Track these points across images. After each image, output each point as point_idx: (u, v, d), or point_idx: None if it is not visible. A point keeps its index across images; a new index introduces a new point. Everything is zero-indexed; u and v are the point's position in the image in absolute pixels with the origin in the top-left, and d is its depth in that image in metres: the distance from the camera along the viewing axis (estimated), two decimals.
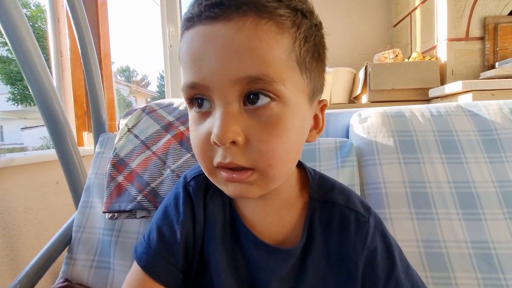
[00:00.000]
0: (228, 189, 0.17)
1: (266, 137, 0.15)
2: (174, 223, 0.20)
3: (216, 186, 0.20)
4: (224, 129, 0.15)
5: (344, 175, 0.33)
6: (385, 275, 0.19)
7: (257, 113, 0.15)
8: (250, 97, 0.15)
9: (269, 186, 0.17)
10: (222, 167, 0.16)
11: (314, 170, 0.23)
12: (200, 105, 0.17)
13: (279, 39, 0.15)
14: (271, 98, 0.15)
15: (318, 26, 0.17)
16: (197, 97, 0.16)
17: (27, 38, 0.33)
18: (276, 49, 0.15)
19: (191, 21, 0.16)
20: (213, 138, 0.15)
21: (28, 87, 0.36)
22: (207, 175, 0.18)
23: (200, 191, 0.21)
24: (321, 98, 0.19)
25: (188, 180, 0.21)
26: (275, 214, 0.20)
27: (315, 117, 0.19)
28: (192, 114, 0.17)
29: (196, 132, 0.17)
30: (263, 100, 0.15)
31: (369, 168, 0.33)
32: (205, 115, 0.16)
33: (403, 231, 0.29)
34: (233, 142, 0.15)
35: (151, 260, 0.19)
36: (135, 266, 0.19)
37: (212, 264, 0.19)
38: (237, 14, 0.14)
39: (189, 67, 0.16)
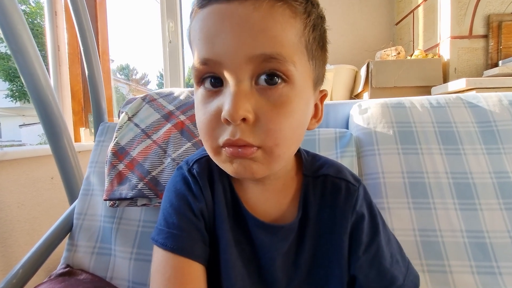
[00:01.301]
0: (233, 167, 0.17)
1: (275, 116, 0.16)
2: (191, 202, 0.20)
3: (218, 170, 0.20)
4: (236, 106, 0.15)
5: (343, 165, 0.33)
6: (368, 240, 0.20)
7: (267, 93, 0.16)
8: (264, 78, 0.16)
9: (272, 166, 0.17)
10: (230, 144, 0.16)
11: (308, 152, 0.23)
12: (212, 84, 0.17)
13: (292, 23, 0.16)
14: (282, 79, 0.16)
15: (323, 18, 0.18)
16: (208, 75, 0.16)
17: (20, 26, 0.32)
18: (289, 31, 0.15)
19: None
20: (224, 114, 0.15)
21: (21, 77, 0.35)
22: (211, 155, 0.18)
23: (204, 173, 0.21)
24: (321, 89, 0.21)
25: (191, 164, 0.22)
26: (274, 198, 0.21)
27: (316, 106, 0.20)
28: (200, 92, 0.17)
29: (204, 110, 0.17)
30: (274, 80, 0.16)
31: (368, 158, 0.34)
32: (214, 93, 0.17)
33: (400, 220, 0.30)
34: (243, 120, 0.15)
35: (178, 241, 0.19)
36: (162, 254, 0.19)
37: (222, 244, 0.20)
38: None
39: (202, 43, 0.16)
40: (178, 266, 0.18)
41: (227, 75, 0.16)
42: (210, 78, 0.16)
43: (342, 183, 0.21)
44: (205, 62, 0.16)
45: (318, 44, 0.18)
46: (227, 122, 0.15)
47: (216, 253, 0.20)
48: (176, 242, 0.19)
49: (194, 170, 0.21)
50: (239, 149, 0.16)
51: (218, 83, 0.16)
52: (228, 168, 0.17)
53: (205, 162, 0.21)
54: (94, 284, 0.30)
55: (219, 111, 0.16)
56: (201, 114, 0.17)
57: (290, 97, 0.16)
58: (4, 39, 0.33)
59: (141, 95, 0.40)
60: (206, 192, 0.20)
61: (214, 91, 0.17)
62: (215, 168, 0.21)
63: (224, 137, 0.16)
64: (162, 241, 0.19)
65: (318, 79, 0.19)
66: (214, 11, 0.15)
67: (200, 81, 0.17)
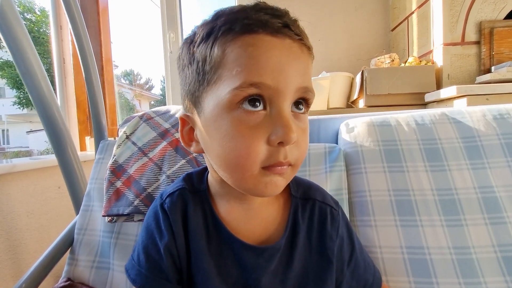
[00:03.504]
0: (267, 186, 0.18)
1: (303, 138, 0.19)
2: (157, 242, 0.21)
3: (194, 200, 0.21)
4: (292, 129, 0.17)
5: (332, 180, 0.34)
6: (348, 257, 0.23)
7: (298, 118, 0.19)
8: (296, 105, 0.19)
9: (289, 180, 0.20)
10: (278, 164, 0.17)
11: None
12: (252, 105, 0.17)
13: (311, 66, 0.19)
14: (307, 107, 0.19)
15: None
16: (253, 97, 0.17)
17: (28, 49, 0.35)
18: (311, 71, 0.19)
19: (254, 27, 0.17)
20: (282, 138, 0.16)
21: (30, 96, 0.38)
22: (241, 179, 0.18)
23: (175, 208, 0.21)
24: None
25: (164, 199, 0.22)
26: (257, 216, 0.22)
27: None
28: (237, 115, 0.17)
29: (247, 132, 0.17)
30: (303, 108, 0.19)
31: (355, 176, 0.34)
32: (257, 116, 0.17)
33: (388, 237, 0.30)
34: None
35: (145, 281, 0.20)
36: None
37: (199, 275, 0.20)
38: (297, 38, 0.18)
39: (257, 68, 0.16)
40: None
41: (277, 101, 0.17)
42: (252, 99, 0.17)
43: (327, 208, 0.23)
44: (259, 85, 0.16)
45: None
46: (281, 144, 0.17)
47: (196, 284, 0.20)
48: (143, 282, 0.20)
49: (166, 205, 0.21)
50: (279, 167, 0.17)
51: (261, 105, 0.17)
52: (261, 189, 0.18)
53: (178, 196, 0.22)
54: None
55: (266, 134, 0.17)
56: (244, 138, 0.17)
57: (307, 121, 0.20)
58: (14, 63, 0.36)
59: (139, 114, 0.42)
60: (177, 228, 0.21)
61: (256, 113, 0.17)
62: (191, 199, 0.22)
63: (275, 159, 0.17)
64: (133, 277, 0.20)
65: None
66: (270, 41, 0.17)
67: (240, 101, 0.17)
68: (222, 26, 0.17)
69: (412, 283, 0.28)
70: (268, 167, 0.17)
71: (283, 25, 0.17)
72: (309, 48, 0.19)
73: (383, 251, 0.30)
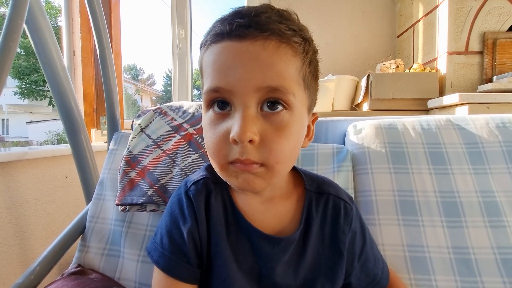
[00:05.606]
0: (238, 181, 0.19)
1: (277, 138, 0.18)
2: (181, 227, 0.21)
3: (216, 190, 0.23)
4: (245, 128, 0.17)
5: (340, 179, 0.35)
6: (359, 251, 0.24)
7: (271, 118, 0.18)
8: (267, 104, 0.18)
9: (272, 180, 0.20)
10: (238, 162, 0.18)
11: (301, 168, 0.26)
12: (219, 108, 0.19)
13: (293, 60, 0.19)
14: (284, 107, 0.19)
15: (316, 52, 0.21)
16: (218, 100, 0.19)
17: (50, 40, 0.37)
18: (291, 68, 0.19)
19: (219, 36, 0.18)
20: (234, 136, 0.17)
21: (48, 85, 0.39)
22: (218, 170, 0.20)
23: (200, 195, 0.22)
24: (314, 111, 0.24)
25: (189, 186, 0.23)
26: (272, 208, 0.23)
27: (308, 127, 0.23)
28: (209, 115, 0.20)
29: (213, 130, 0.19)
30: (277, 107, 0.19)
31: (361, 176, 0.36)
32: (223, 116, 0.19)
33: (390, 235, 0.32)
34: (250, 141, 0.18)
35: (168, 262, 0.21)
36: (157, 269, 0.21)
37: (218, 261, 0.21)
38: (262, 36, 0.18)
39: (215, 74, 0.18)
40: (170, 284, 0.21)
41: (236, 102, 0.18)
42: (220, 102, 0.19)
43: (341, 203, 0.24)
44: (217, 89, 0.18)
45: (312, 76, 0.21)
46: (235, 142, 0.18)
47: (214, 269, 0.21)
48: (166, 264, 0.21)
49: (191, 192, 0.23)
50: (245, 165, 0.18)
51: (227, 107, 0.19)
52: (233, 182, 0.19)
53: (202, 184, 0.23)
54: (104, 283, 0.33)
55: (227, 132, 0.18)
56: (211, 134, 0.19)
57: (289, 121, 0.19)
58: (35, 52, 0.37)
59: (153, 108, 0.43)
60: (200, 214, 0.22)
61: (223, 114, 0.19)
62: (213, 189, 0.23)
63: (234, 155, 0.18)
64: (156, 259, 0.21)
65: (311, 104, 0.22)
66: (228, 47, 0.18)
67: (210, 104, 0.20)
68: (203, 39, 0.20)
69: (412, 280, 0.30)
70: (233, 163, 0.19)
71: (245, 26, 0.17)
72: (281, 40, 0.18)
73: (386, 249, 0.31)
